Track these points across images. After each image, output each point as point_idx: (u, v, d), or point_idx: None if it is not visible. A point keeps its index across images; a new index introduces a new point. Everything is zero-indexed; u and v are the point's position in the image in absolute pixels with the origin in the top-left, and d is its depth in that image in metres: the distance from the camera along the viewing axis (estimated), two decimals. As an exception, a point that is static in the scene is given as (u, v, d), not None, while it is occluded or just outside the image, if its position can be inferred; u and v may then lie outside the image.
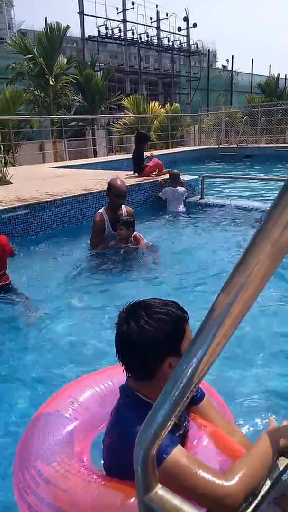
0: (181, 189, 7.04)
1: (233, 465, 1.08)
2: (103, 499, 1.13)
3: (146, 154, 8.10)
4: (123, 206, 4.61)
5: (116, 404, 1.29)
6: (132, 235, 4.42)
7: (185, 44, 29.77)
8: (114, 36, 26.47)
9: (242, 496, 0.98)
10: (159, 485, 0.82)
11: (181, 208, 6.98)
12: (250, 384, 2.41)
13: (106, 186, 4.51)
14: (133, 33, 26.97)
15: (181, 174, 7.60)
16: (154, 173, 7.74)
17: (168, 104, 18.78)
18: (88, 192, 6.04)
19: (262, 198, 7.80)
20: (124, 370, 1.27)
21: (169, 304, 1.25)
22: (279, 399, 2.28)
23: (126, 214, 4.57)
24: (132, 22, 26.88)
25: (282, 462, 1.07)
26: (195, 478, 1.01)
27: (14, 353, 2.84)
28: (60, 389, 1.70)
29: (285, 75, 32.96)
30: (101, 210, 4.51)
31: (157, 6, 28.40)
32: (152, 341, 1.16)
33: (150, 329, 1.17)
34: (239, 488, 0.99)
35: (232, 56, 30.66)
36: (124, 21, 26.55)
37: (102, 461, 1.32)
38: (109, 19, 25.86)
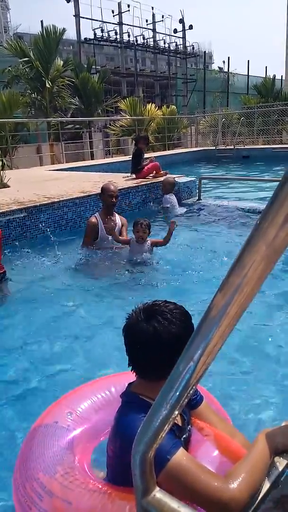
0: (173, 197, 6.99)
1: (234, 468, 1.07)
2: (110, 510, 1.12)
3: (148, 155, 8.09)
4: (117, 215, 4.71)
5: (118, 412, 1.28)
6: (150, 240, 4.40)
7: (181, 46, 29.83)
8: (110, 38, 26.54)
9: (245, 498, 0.98)
10: (157, 488, 0.81)
11: (181, 209, 6.97)
12: (248, 387, 2.41)
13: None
14: (129, 36, 27.05)
15: (178, 175, 7.60)
16: (151, 175, 7.74)
17: (164, 106, 18.78)
18: (86, 194, 6.05)
19: (259, 198, 7.81)
20: (138, 372, 1.27)
21: (176, 303, 1.30)
22: (278, 401, 2.28)
23: (120, 223, 4.73)
24: (128, 25, 26.97)
25: (280, 463, 1.07)
26: (198, 481, 1.01)
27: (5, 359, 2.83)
28: (57, 399, 1.67)
29: (281, 76, 33.14)
30: (95, 214, 4.74)
31: (152, 9, 28.54)
32: (179, 335, 1.19)
33: (178, 323, 1.21)
34: (242, 491, 0.98)
35: (228, 58, 30.75)
36: (120, 23, 26.61)
37: (106, 471, 1.31)
38: (105, 22, 25.96)
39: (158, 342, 1.19)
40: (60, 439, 1.42)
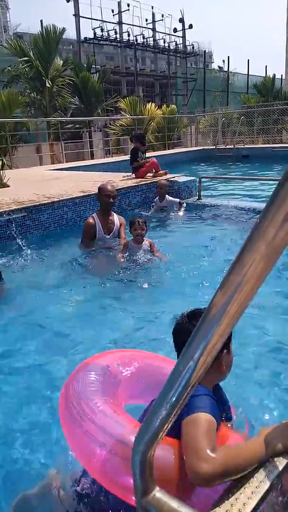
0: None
1: (224, 446, 1.18)
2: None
3: (148, 155, 8.05)
4: (115, 215, 4.72)
5: None
6: (147, 241, 4.44)
7: (181, 45, 29.79)
8: (110, 38, 26.49)
9: (217, 469, 1.00)
10: (157, 488, 0.81)
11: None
12: (253, 384, 2.41)
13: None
14: (129, 35, 27.00)
15: (178, 175, 7.58)
16: (150, 174, 7.72)
17: (164, 105, 18.77)
18: (85, 194, 6.04)
19: (259, 198, 7.81)
20: None
21: None
22: (279, 398, 2.28)
23: (118, 223, 4.75)
24: (127, 24, 26.93)
25: (280, 462, 1.06)
26: (196, 437, 1.08)
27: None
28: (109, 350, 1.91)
29: (281, 75, 33.15)
30: (93, 214, 4.75)
31: (152, 8, 28.48)
32: None
33: None
34: (219, 461, 1.01)
35: (228, 57, 30.74)
36: (120, 23, 26.59)
37: None
38: (105, 21, 25.91)
39: None
40: (110, 379, 1.59)
